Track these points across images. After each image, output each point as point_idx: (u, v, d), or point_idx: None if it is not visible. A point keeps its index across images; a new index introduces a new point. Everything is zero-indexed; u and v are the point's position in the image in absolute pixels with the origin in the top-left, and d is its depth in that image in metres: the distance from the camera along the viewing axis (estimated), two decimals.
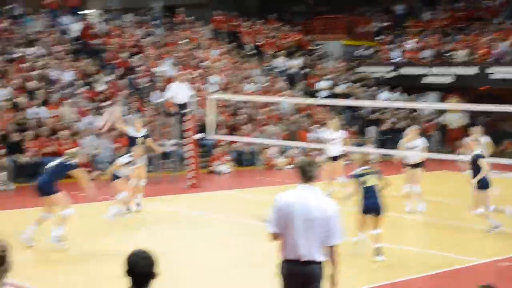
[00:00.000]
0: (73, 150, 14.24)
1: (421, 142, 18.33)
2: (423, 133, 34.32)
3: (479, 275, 11.85)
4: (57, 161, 13.76)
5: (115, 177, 16.41)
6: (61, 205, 13.44)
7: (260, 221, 7.64)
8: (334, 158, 20.03)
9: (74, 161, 13.56)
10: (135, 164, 16.61)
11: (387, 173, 18.52)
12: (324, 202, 7.10)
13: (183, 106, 22.93)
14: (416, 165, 18.04)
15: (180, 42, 33.26)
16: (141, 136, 18.47)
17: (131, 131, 18.68)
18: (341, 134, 20.23)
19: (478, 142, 17.03)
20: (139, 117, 22.22)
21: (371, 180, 12.75)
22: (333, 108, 33.10)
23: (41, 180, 13.55)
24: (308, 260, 7.00)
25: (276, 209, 7.14)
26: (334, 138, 19.98)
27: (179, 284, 11.06)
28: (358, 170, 13.10)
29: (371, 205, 12.74)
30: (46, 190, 13.37)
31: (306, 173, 7.16)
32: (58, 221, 13.40)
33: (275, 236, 7.18)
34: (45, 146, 22.61)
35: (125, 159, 16.49)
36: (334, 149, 19.92)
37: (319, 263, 7.05)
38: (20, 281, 10.01)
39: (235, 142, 27.15)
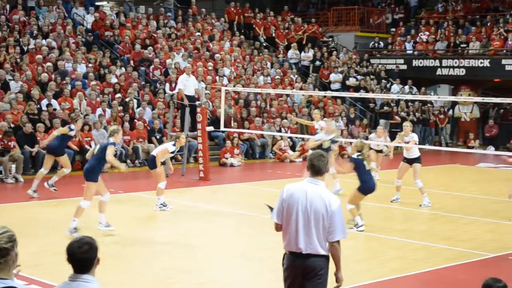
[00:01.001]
0: (114, 127, 14.84)
1: (415, 137, 18.32)
2: (436, 126, 34.51)
3: (491, 269, 11.87)
4: (97, 147, 14.26)
5: (153, 165, 16.74)
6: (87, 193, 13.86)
7: (268, 210, 7.72)
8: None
9: (112, 140, 14.02)
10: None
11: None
12: (328, 197, 7.10)
13: (193, 98, 23.01)
14: (413, 160, 18.02)
15: (196, 34, 33.30)
16: None
17: None
18: (323, 124, 19.90)
19: None
20: None
21: (368, 165, 14.42)
22: (344, 100, 33.15)
23: (86, 165, 14.07)
24: (309, 253, 7.03)
25: (281, 199, 7.20)
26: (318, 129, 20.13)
27: (193, 275, 11.17)
28: (355, 155, 14.54)
29: (374, 186, 14.40)
30: (86, 174, 13.86)
31: (314, 167, 7.19)
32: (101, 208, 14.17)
33: (278, 226, 7.25)
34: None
35: (172, 147, 16.93)
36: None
37: (322, 256, 7.07)
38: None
39: (242, 134, 27.23)
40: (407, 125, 18.68)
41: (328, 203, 7.03)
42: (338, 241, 7.10)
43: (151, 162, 16.93)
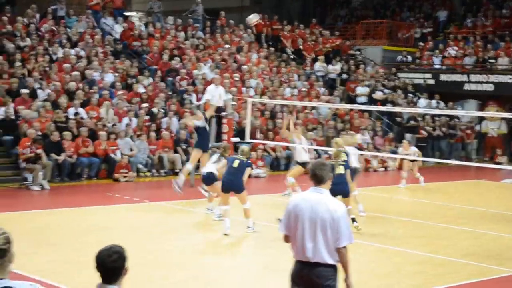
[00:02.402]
0: (245, 148, 15.85)
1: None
2: (462, 141, 34.38)
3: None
4: (237, 161, 15.32)
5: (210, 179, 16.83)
6: (246, 200, 15.50)
7: (277, 223, 7.78)
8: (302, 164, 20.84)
9: (249, 160, 15.58)
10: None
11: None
12: (333, 204, 7.14)
13: (220, 109, 23.08)
14: None
15: (225, 46, 33.42)
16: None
17: None
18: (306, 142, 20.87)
19: None
20: None
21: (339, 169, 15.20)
22: (371, 114, 33.09)
23: (231, 179, 15.23)
24: (317, 262, 7.06)
25: (287, 211, 7.27)
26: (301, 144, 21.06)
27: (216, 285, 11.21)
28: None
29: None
30: (238, 187, 15.30)
31: (317, 176, 7.24)
32: (247, 214, 15.44)
33: (287, 238, 7.31)
34: (83, 146, 22.87)
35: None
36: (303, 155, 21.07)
37: (330, 265, 7.08)
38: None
39: (263, 145, 27.24)
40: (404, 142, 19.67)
41: (334, 209, 7.07)
42: (345, 247, 7.11)
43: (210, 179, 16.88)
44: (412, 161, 24.18)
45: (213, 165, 16.76)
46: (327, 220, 7.02)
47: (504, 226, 17.44)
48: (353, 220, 15.22)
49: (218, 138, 22.66)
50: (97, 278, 5.13)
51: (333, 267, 7.12)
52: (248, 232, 15.22)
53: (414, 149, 24.30)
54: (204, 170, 17.11)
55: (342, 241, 7.06)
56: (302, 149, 21.12)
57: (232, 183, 15.29)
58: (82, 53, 28.20)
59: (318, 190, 7.22)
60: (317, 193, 7.21)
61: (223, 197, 15.72)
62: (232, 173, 15.27)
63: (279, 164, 28.03)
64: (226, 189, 15.46)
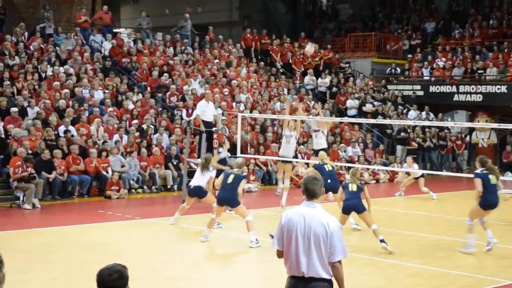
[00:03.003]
0: (239, 160, 15.99)
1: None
2: (452, 152, 34.44)
3: None
4: (231, 176, 15.48)
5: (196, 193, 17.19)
6: (245, 213, 15.51)
7: (271, 239, 7.74)
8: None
9: (244, 173, 15.68)
10: None
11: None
12: (326, 218, 7.11)
13: (211, 124, 23.06)
14: None
15: (214, 61, 33.45)
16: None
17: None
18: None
19: None
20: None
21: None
22: (361, 126, 33.12)
23: (227, 194, 15.42)
24: (312, 277, 7.04)
25: (280, 226, 7.25)
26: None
27: None
28: None
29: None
30: (233, 202, 15.55)
31: (309, 190, 7.23)
32: (248, 227, 15.29)
33: (280, 253, 7.30)
34: (74, 164, 22.78)
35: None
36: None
37: (325, 280, 7.06)
38: None
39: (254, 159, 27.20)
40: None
41: (327, 224, 7.05)
42: (339, 261, 7.09)
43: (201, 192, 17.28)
44: (417, 178, 24.88)
45: (199, 178, 17.10)
46: (321, 235, 7.01)
47: (497, 236, 17.41)
48: (382, 241, 14.96)
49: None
50: None
51: (328, 281, 7.11)
52: (252, 246, 15.15)
53: (416, 166, 25.61)
54: (191, 183, 17.34)
55: (336, 256, 7.05)
56: (322, 134, 22.48)
57: (228, 199, 15.54)
58: (71, 70, 28.14)
59: (311, 205, 7.20)
60: (310, 207, 7.19)
61: (217, 209, 15.87)
62: (228, 189, 15.42)
63: (271, 178, 27.99)
64: (221, 203, 15.77)
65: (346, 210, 15.51)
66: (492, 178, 14.94)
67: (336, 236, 7.04)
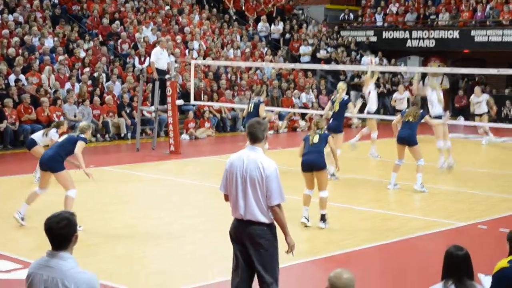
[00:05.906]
0: (84, 124, 12.87)
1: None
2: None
3: (459, 237, 11.96)
4: (65, 135, 12.82)
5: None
6: (67, 183, 12.26)
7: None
8: None
9: (84, 135, 12.53)
10: None
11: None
12: (263, 161, 7.17)
13: (164, 72, 22.84)
14: None
15: (166, 8, 33.08)
16: None
17: None
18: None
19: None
20: None
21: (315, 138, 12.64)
22: (315, 73, 33.10)
23: (49, 154, 12.31)
24: (250, 220, 7.15)
25: (225, 170, 7.37)
26: None
27: (166, 247, 11.16)
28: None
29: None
30: (54, 166, 12.17)
31: (251, 134, 7.30)
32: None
33: (226, 196, 7.42)
34: (26, 113, 22.49)
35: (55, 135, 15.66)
36: None
37: (263, 224, 7.16)
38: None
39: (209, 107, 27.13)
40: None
41: (262, 167, 7.12)
42: (278, 206, 7.15)
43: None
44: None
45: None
46: (257, 178, 7.10)
47: (450, 181, 17.66)
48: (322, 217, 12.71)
49: (163, 101, 22.42)
50: (47, 244, 5.06)
51: (268, 225, 7.19)
52: None
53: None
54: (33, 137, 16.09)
55: (274, 200, 7.11)
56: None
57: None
58: (21, 18, 27.63)
59: (253, 149, 7.28)
60: (252, 151, 7.26)
61: None
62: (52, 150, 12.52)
63: (225, 126, 27.93)
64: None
65: (304, 167, 12.69)
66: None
67: (272, 179, 7.09)
